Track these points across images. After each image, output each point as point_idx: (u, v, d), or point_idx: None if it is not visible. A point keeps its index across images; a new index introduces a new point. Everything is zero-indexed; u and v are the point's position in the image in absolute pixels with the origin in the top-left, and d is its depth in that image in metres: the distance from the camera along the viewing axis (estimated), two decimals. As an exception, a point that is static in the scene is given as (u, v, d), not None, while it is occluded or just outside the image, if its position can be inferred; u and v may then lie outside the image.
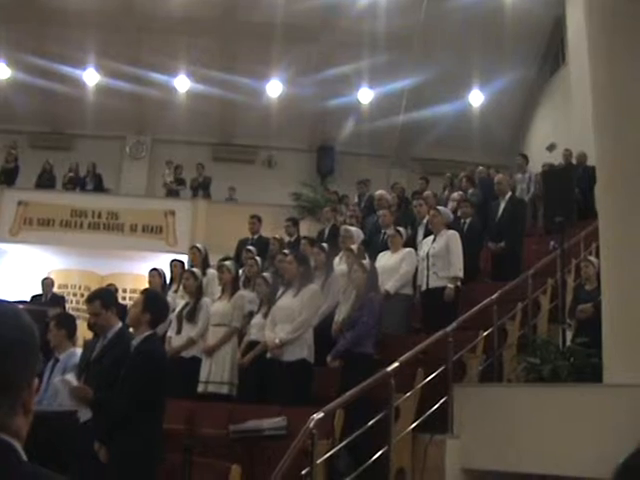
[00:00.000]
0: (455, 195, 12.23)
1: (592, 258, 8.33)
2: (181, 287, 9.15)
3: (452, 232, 8.86)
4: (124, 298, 14.46)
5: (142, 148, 20.08)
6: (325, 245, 9.22)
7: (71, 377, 5.21)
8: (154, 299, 5.25)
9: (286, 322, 7.35)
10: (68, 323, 6.60)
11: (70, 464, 4.95)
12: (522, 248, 10.40)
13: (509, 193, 10.88)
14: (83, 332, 8.64)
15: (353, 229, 9.93)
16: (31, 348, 1.26)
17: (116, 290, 10.54)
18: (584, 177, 11.95)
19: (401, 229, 9.41)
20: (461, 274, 8.52)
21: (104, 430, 4.79)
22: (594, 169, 7.03)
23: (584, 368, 6.38)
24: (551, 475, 5.62)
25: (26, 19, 17.06)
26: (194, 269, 9.24)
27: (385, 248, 9.32)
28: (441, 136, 18.62)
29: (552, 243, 9.59)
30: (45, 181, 17.62)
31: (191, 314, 8.41)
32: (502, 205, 10.56)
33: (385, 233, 9.95)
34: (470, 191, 12.83)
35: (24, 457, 1.23)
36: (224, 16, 17.52)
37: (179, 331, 8.41)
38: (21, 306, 11.00)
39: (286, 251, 8.88)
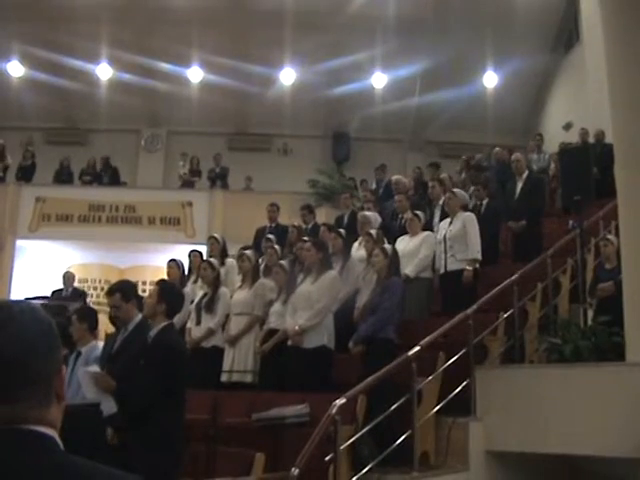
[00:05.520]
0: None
1: (611, 237, 8.26)
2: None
3: (468, 214, 8.82)
4: (144, 290, 14.47)
5: (157, 141, 20.13)
6: (342, 231, 9.20)
7: (93, 368, 5.23)
8: (169, 289, 5.27)
9: (306, 309, 7.34)
10: (90, 316, 6.63)
11: (92, 457, 4.96)
12: (542, 226, 10.32)
13: (526, 172, 10.78)
14: (104, 325, 8.70)
15: (370, 214, 9.90)
16: (53, 338, 1.32)
17: (136, 282, 10.58)
18: (602, 155, 11.80)
19: (419, 213, 9.34)
20: (479, 256, 8.46)
21: (124, 421, 4.80)
22: (612, 147, 6.95)
23: (606, 347, 6.35)
24: (575, 455, 5.61)
25: (38, 16, 17.07)
26: (212, 259, 9.25)
27: (403, 233, 9.28)
28: (456, 118, 18.50)
29: (571, 222, 9.52)
30: (63, 177, 17.69)
31: (209, 304, 8.41)
32: (520, 184, 10.47)
33: (402, 218, 9.92)
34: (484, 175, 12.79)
35: (62, 448, 1.28)
36: (235, 5, 17.46)
37: (198, 322, 8.42)
38: (42, 301, 11.11)
39: (305, 238, 8.87)
